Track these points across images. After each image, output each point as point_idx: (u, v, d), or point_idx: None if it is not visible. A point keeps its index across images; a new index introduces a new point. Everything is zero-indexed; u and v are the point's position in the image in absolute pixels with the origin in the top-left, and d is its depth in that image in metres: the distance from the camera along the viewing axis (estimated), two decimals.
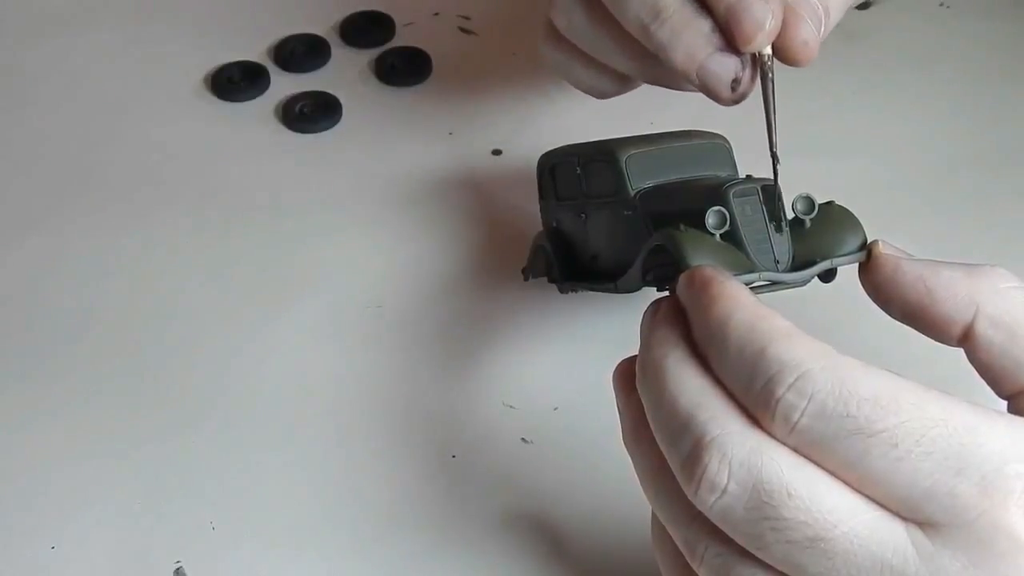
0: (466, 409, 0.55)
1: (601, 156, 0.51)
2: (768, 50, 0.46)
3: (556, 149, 0.55)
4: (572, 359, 0.56)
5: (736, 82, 0.47)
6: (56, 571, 0.50)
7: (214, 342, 0.58)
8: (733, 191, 0.45)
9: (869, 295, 0.43)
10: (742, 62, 0.47)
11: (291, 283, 0.60)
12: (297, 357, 0.57)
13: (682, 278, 0.41)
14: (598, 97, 0.54)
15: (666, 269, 0.44)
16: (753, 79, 0.47)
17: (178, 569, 0.49)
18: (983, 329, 0.40)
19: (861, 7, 0.73)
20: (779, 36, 0.46)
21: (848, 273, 0.44)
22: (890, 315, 0.43)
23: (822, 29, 0.48)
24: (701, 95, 0.48)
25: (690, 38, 0.46)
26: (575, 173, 0.53)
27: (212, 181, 0.65)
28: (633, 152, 0.50)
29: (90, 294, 0.60)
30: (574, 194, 0.53)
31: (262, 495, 0.52)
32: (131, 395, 0.56)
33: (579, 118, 0.56)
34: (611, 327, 0.57)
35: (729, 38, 0.46)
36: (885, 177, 0.64)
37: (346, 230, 0.63)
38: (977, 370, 0.41)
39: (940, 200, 0.63)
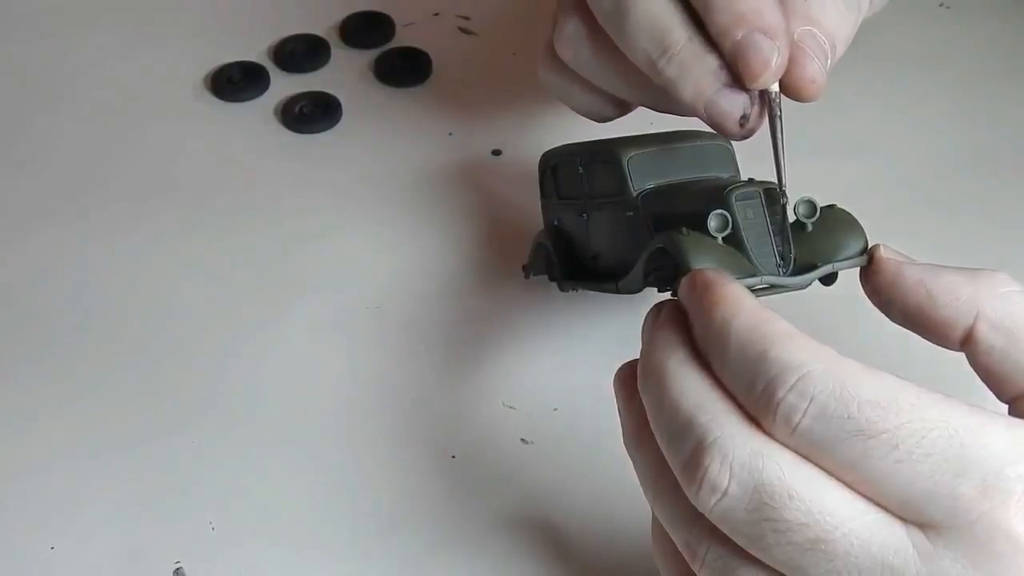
0: (466, 409, 0.55)
1: (603, 156, 0.51)
2: (776, 87, 0.46)
3: (558, 148, 0.55)
4: (572, 359, 0.56)
5: (744, 118, 0.46)
6: (56, 571, 0.50)
7: (214, 342, 0.58)
8: (735, 194, 0.45)
9: (870, 299, 0.43)
10: (750, 98, 0.46)
11: (291, 283, 0.60)
12: (297, 357, 0.57)
13: (684, 281, 0.42)
14: (597, 121, 0.54)
15: (668, 271, 0.44)
16: (762, 115, 0.46)
17: (178, 569, 0.49)
18: (984, 333, 0.41)
19: None
20: (786, 73, 0.46)
21: (849, 277, 0.44)
22: (891, 319, 0.43)
23: (828, 64, 0.47)
24: None
25: (698, 74, 0.46)
26: (577, 173, 0.53)
27: (212, 181, 0.65)
28: (635, 153, 0.50)
29: (90, 293, 0.60)
30: (576, 194, 0.53)
31: (262, 495, 0.52)
32: (131, 395, 0.56)
33: (579, 118, 0.56)
34: (612, 327, 0.56)
35: (736, 75, 0.46)
36: (885, 178, 0.64)
37: (346, 230, 0.62)
38: (978, 374, 0.41)
39: (941, 201, 0.63)
